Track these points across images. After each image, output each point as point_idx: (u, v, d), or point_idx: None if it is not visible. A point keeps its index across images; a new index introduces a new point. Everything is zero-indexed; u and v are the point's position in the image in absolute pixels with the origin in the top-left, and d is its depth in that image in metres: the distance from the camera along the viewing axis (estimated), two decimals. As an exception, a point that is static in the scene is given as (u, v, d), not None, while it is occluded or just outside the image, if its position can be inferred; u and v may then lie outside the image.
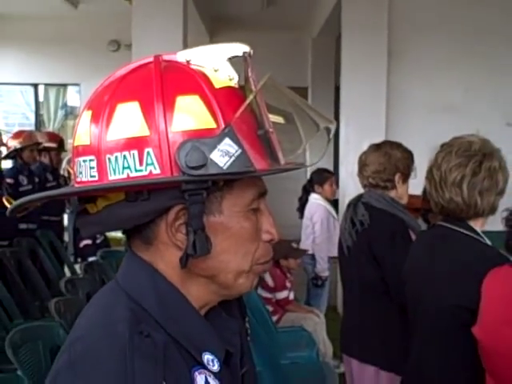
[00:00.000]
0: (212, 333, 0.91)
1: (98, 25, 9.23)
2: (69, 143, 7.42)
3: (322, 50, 9.22)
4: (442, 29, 6.22)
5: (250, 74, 0.87)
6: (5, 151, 5.92)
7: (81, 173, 0.90)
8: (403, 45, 6.24)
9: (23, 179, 5.87)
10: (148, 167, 0.84)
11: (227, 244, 0.89)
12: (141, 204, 0.86)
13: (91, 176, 0.88)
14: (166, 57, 0.91)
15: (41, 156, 6.27)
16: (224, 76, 0.91)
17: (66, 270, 6.00)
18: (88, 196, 0.91)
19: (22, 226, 5.68)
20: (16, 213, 0.96)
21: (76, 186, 0.92)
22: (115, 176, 0.86)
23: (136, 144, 0.84)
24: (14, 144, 5.87)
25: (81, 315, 0.92)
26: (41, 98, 10.13)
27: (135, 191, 0.85)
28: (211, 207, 0.87)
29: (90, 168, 0.88)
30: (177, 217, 0.87)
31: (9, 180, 5.74)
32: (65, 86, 10.12)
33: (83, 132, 0.90)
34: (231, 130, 0.83)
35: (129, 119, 0.86)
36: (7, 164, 6.49)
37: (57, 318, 3.13)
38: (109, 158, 0.86)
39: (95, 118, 0.89)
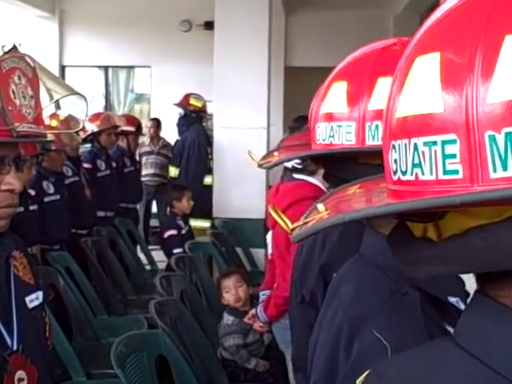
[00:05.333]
0: None
1: (169, 4, 8.92)
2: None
3: (405, 27, 8.66)
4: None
5: None
6: (81, 134, 5.64)
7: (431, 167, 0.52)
8: None
9: (101, 164, 5.58)
10: None
11: None
12: None
13: (451, 171, 0.50)
14: None
15: (118, 140, 5.98)
16: None
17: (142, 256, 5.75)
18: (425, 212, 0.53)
19: (100, 213, 5.41)
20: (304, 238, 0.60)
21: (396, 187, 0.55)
22: (496, 173, 0.47)
23: None
24: (92, 127, 5.58)
25: None
26: (110, 81, 9.92)
27: None
28: None
29: (444, 157, 0.50)
30: None
31: (86, 165, 5.47)
32: (134, 68, 9.88)
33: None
34: None
35: None
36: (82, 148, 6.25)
37: (158, 321, 2.81)
38: (491, 137, 0.47)
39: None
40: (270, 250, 2.93)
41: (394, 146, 0.55)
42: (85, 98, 1.48)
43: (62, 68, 9.60)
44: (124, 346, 2.39)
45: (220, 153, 5.67)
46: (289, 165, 2.75)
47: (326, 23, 8.88)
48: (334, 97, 1.16)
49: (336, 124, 1.14)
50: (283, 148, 1.78)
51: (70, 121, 5.00)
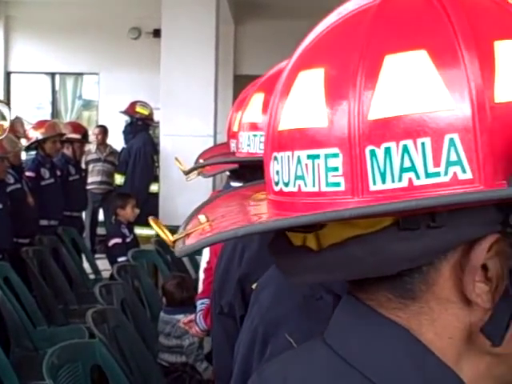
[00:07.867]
0: None
1: (118, 11, 8.85)
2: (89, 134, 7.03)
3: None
4: None
5: None
6: (25, 142, 5.55)
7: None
8: None
9: (45, 172, 5.50)
10: (451, 169, 0.48)
11: None
12: (425, 235, 0.49)
13: (333, 183, 0.51)
14: None
15: (63, 147, 5.90)
16: None
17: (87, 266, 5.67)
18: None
19: (44, 222, 5.32)
20: None
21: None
22: (376, 186, 0.49)
23: (431, 126, 0.48)
24: (36, 135, 5.49)
25: None
26: (57, 88, 9.77)
27: (423, 214, 0.49)
28: None
29: (327, 170, 0.51)
30: (481, 255, 0.50)
31: (29, 173, 5.38)
32: (82, 75, 9.76)
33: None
34: None
35: (416, 79, 0.49)
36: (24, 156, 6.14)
37: (95, 330, 2.77)
38: (372, 152, 0.49)
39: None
40: (206, 258, 2.93)
41: (275, 158, 0.56)
42: (8, 105, 1.45)
43: (8, 74, 9.42)
44: (57, 357, 2.35)
45: (166, 160, 5.65)
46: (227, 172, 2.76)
47: (276, 32, 8.94)
48: (253, 107, 1.22)
49: (252, 133, 1.20)
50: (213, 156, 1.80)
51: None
